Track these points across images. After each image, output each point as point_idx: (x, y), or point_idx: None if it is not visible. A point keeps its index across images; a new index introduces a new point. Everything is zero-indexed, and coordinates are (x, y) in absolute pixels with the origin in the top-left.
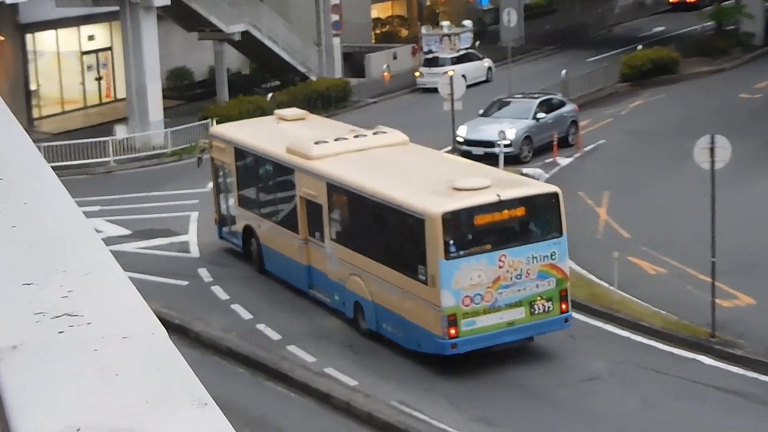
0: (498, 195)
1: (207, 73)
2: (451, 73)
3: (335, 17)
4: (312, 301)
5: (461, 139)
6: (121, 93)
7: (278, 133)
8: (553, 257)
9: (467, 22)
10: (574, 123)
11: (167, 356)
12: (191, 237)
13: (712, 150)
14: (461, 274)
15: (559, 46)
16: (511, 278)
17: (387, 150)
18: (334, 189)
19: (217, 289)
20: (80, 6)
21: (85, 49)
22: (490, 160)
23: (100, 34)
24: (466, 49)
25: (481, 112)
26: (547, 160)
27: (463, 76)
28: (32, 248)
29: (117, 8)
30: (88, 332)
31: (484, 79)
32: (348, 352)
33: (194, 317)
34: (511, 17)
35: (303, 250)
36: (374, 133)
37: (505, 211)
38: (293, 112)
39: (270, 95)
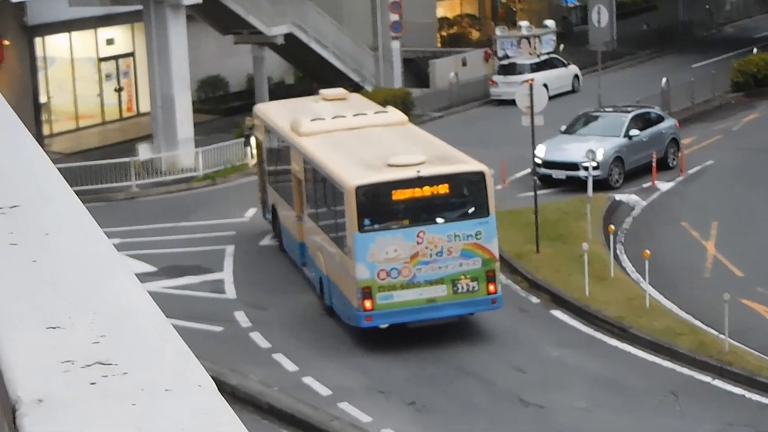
0: (417, 171)
1: (245, 83)
2: (530, 81)
3: (394, 17)
4: (368, 351)
5: (539, 161)
6: (145, 106)
7: (305, 112)
8: (479, 237)
9: (549, 22)
10: (675, 141)
11: (217, 413)
12: (226, 275)
13: None
14: (376, 247)
15: (658, 49)
16: (430, 255)
17: (379, 129)
18: (306, 164)
19: (256, 336)
20: (98, 5)
21: (103, 55)
22: (574, 185)
23: (120, 38)
24: (548, 53)
25: (563, 128)
26: (644, 185)
27: (545, 85)
28: (56, 286)
29: (140, 7)
30: (123, 384)
31: (569, 89)
32: (409, 410)
33: (229, 368)
34: (601, 16)
35: (297, 227)
36: (375, 113)
37: (426, 188)
38: (335, 91)
39: None
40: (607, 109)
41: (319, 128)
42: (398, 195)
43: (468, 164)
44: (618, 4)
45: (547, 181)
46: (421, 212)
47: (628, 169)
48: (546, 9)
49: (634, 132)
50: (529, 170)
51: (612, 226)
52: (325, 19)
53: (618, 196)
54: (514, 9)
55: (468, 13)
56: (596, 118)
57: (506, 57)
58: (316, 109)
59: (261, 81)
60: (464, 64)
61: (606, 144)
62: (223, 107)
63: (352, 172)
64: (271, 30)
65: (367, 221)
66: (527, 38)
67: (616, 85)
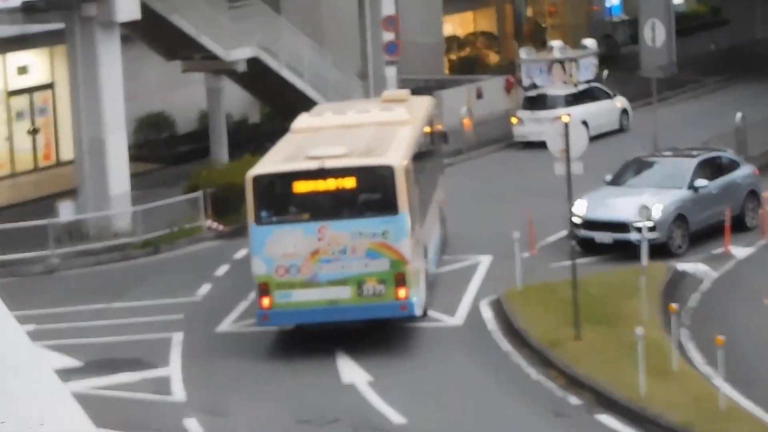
0: (320, 163)
1: (196, 122)
2: (565, 118)
3: (389, 36)
4: None
5: (578, 221)
6: (68, 153)
7: (338, 111)
8: (386, 236)
9: (589, 42)
10: (755, 194)
11: None
12: (173, 371)
13: None
14: (274, 241)
15: (731, 75)
16: (333, 253)
17: (372, 128)
18: None
19: None
20: (7, 24)
21: (13, 87)
22: (624, 251)
23: (36, 65)
24: (588, 82)
25: (609, 178)
26: (714, 251)
27: (584, 122)
28: None
29: (62, 25)
30: None
31: (615, 127)
32: None
33: None
34: (656, 33)
35: None
36: (380, 110)
37: (331, 181)
38: (397, 92)
39: None
40: (665, 153)
41: (310, 125)
42: (300, 187)
43: (377, 158)
44: (678, 17)
45: (588, 247)
46: (324, 207)
47: (694, 231)
48: (585, 25)
49: (700, 182)
50: (565, 233)
51: (674, 305)
52: (301, 39)
53: (681, 266)
54: (544, 25)
55: (484, 30)
56: (651, 164)
57: (533, 87)
58: (357, 110)
59: (217, 119)
60: (479, 95)
61: (665, 198)
62: (168, 153)
63: (264, 163)
64: (231, 54)
65: (264, 213)
66: (560, 62)
67: (677, 121)
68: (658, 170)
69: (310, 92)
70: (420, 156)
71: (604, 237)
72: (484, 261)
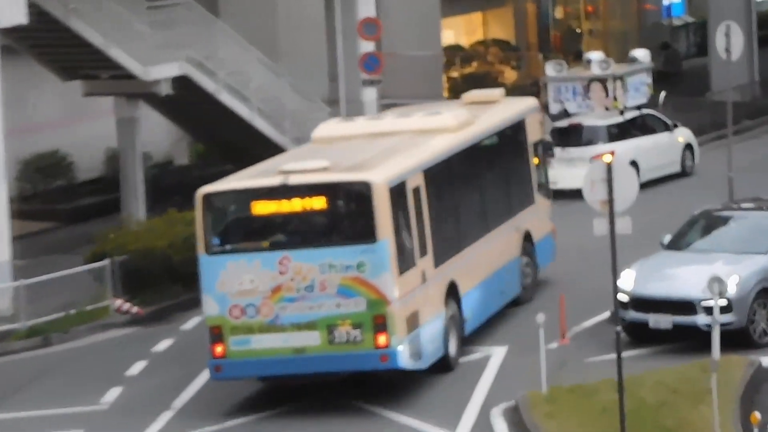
0: (283, 179)
1: (103, 165)
2: (607, 158)
3: (367, 46)
4: None
5: (626, 298)
6: None
7: (401, 115)
8: (362, 269)
9: (640, 54)
10: None
11: None
12: None
13: None
14: (228, 275)
15: None
16: (297, 289)
17: (403, 137)
18: None
19: None
20: None
21: None
22: (688, 340)
23: None
24: (640, 107)
25: (667, 240)
26: None
27: (634, 162)
28: None
29: None
30: None
31: (676, 169)
32: None
33: None
34: (732, 40)
35: None
36: (427, 115)
37: (296, 201)
38: (483, 94)
39: None
40: (744, 206)
41: (332, 133)
42: (259, 209)
43: (354, 173)
44: (763, 19)
45: (639, 334)
46: (287, 232)
47: None
48: (635, 29)
49: None
50: (608, 314)
51: (757, 414)
52: (248, 52)
53: (766, 360)
54: (579, 31)
55: (497, 38)
56: (726, 221)
57: (565, 114)
58: (400, 114)
59: (131, 161)
60: None
61: (744, 267)
62: (65, 208)
63: (228, 179)
64: (151, 71)
65: (216, 240)
66: (601, 81)
67: (760, 162)
68: (734, 229)
69: (258, 123)
70: (466, 169)
71: (660, 320)
72: (498, 353)
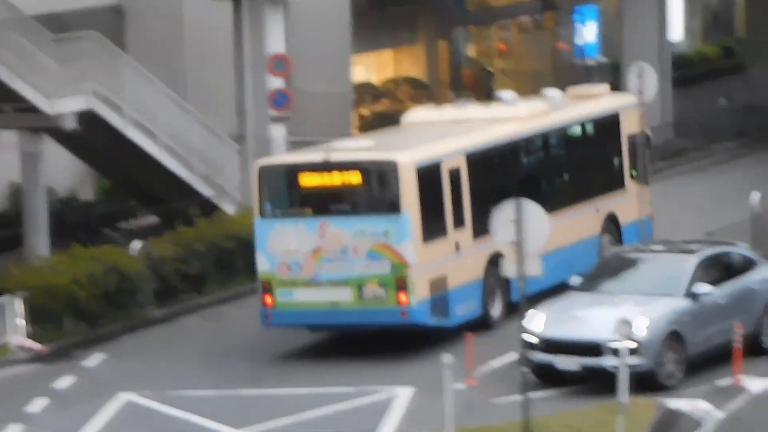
0: (325, 155)
1: (6, 199)
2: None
3: (276, 82)
4: None
5: (534, 339)
6: None
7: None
8: (387, 236)
9: (552, 93)
10: None
11: None
12: None
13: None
14: (276, 236)
15: (748, 141)
16: (333, 252)
17: (474, 124)
18: None
19: None
20: None
21: None
22: (596, 382)
23: None
24: None
25: (577, 282)
26: (720, 382)
27: None
28: None
29: None
30: None
31: None
32: None
33: None
34: (645, 80)
35: None
36: (508, 106)
37: (336, 175)
38: (586, 88)
39: (137, 247)
40: (655, 248)
41: (423, 118)
42: (305, 180)
43: (383, 152)
44: (677, 60)
45: (547, 376)
46: (327, 202)
47: (693, 354)
48: (548, 69)
49: (702, 288)
50: (515, 355)
51: None
52: (155, 88)
53: (674, 403)
54: (491, 70)
55: (409, 76)
56: (635, 263)
57: None
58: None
59: (34, 196)
60: None
61: (653, 309)
62: None
63: (283, 154)
64: (56, 105)
65: (268, 206)
66: None
67: (672, 204)
68: (644, 271)
69: (165, 159)
70: (532, 154)
71: (568, 363)
72: (402, 395)
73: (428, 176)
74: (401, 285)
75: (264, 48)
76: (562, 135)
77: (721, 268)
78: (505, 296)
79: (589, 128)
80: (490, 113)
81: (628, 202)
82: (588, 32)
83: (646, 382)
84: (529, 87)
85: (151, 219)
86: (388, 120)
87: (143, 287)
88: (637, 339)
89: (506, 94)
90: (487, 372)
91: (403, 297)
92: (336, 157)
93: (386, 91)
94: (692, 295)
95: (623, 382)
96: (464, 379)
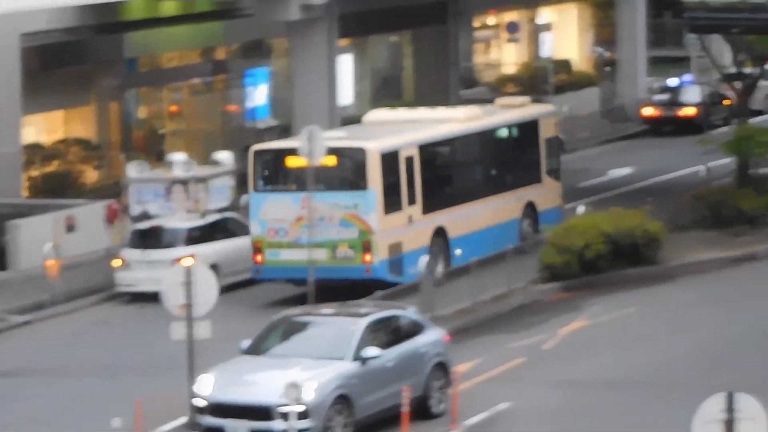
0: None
1: None
2: (187, 261)
3: None
4: None
5: (203, 403)
6: None
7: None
8: (357, 208)
9: (223, 156)
10: (443, 368)
11: None
12: None
13: (729, 425)
14: (267, 206)
15: None
16: (313, 220)
17: (423, 123)
18: None
19: None
20: None
21: None
22: None
23: None
24: (222, 210)
25: (245, 345)
26: None
27: (214, 266)
28: None
29: None
30: None
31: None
32: None
33: None
34: (314, 144)
35: None
36: (451, 111)
37: None
38: (512, 99)
39: None
40: (324, 311)
41: (381, 118)
42: (290, 162)
43: (354, 141)
44: (345, 123)
45: None
46: (309, 180)
47: (362, 418)
48: (219, 131)
49: (370, 352)
50: (184, 420)
51: None
52: None
53: None
54: (162, 131)
55: (80, 137)
56: (305, 326)
57: (146, 216)
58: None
59: None
60: (71, 228)
61: (321, 373)
62: None
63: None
64: None
65: (261, 182)
66: (183, 183)
67: None
68: (314, 334)
69: None
70: (467, 149)
71: (237, 426)
72: None
73: (389, 161)
74: (367, 247)
75: None
76: (492, 135)
77: (389, 332)
78: (447, 261)
79: (514, 131)
80: (435, 115)
81: (544, 193)
82: (259, 95)
83: None
84: (201, 148)
85: None
86: (59, 181)
87: None
88: (305, 402)
89: (177, 155)
90: None
91: (368, 257)
92: None
93: (56, 152)
94: (361, 359)
95: None
96: None
